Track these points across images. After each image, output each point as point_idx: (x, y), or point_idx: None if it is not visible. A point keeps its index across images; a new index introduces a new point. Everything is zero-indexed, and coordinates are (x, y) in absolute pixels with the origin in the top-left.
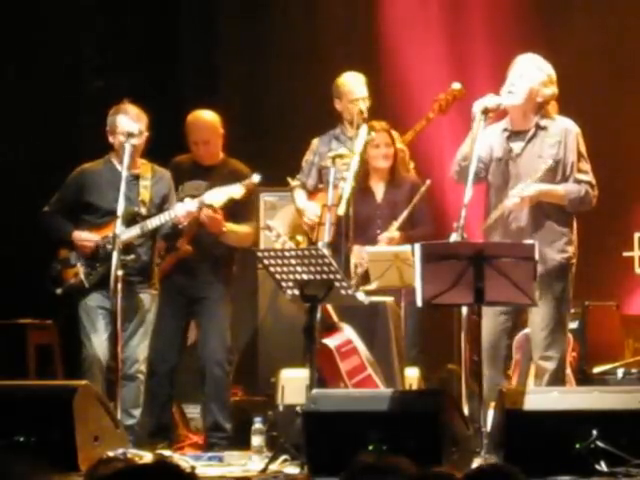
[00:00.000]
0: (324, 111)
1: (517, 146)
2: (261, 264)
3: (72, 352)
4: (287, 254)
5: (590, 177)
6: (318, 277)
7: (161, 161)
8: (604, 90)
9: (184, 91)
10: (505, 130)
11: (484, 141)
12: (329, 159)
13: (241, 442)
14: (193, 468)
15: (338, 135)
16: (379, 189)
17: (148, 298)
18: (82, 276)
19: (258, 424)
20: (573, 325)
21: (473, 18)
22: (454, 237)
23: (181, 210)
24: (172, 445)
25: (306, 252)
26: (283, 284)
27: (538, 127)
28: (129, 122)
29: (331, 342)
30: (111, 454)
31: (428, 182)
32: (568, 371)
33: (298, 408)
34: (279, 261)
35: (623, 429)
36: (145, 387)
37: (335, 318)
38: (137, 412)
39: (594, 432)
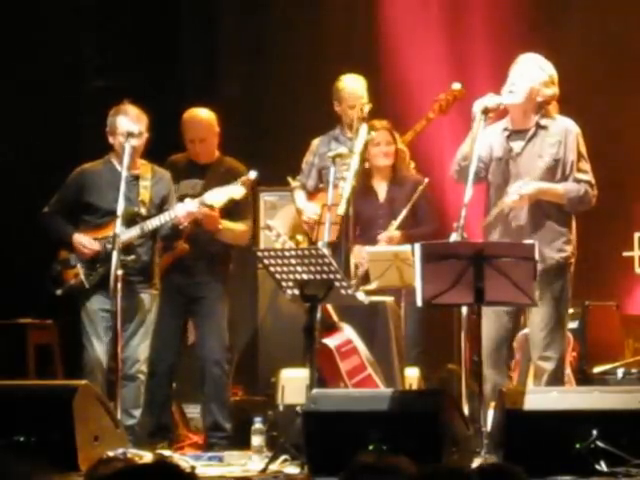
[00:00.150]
0: (324, 111)
1: (517, 145)
2: (261, 264)
3: (72, 352)
4: (287, 254)
5: (590, 177)
6: (318, 277)
7: (161, 161)
8: (604, 90)
9: (184, 91)
10: (505, 129)
11: (484, 141)
12: (329, 159)
13: (241, 442)
14: (193, 468)
15: (337, 136)
16: (381, 188)
17: (149, 298)
18: (82, 277)
19: (258, 424)
20: (573, 325)
21: (473, 18)
22: (454, 237)
23: (181, 210)
24: (172, 445)
25: (306, 252)
26: (283, 284)
27: (538, 126)
28: (129, 123)
29: (331, 342)
30: (111, 454)
31: (426, 180)
32: (568, 371)
33: (298, 408)
34: (279, 261)
35: (623, 429)
36: (145, 387)
37: (335, 318)
38: (137, 412)
39: (594, 432)
